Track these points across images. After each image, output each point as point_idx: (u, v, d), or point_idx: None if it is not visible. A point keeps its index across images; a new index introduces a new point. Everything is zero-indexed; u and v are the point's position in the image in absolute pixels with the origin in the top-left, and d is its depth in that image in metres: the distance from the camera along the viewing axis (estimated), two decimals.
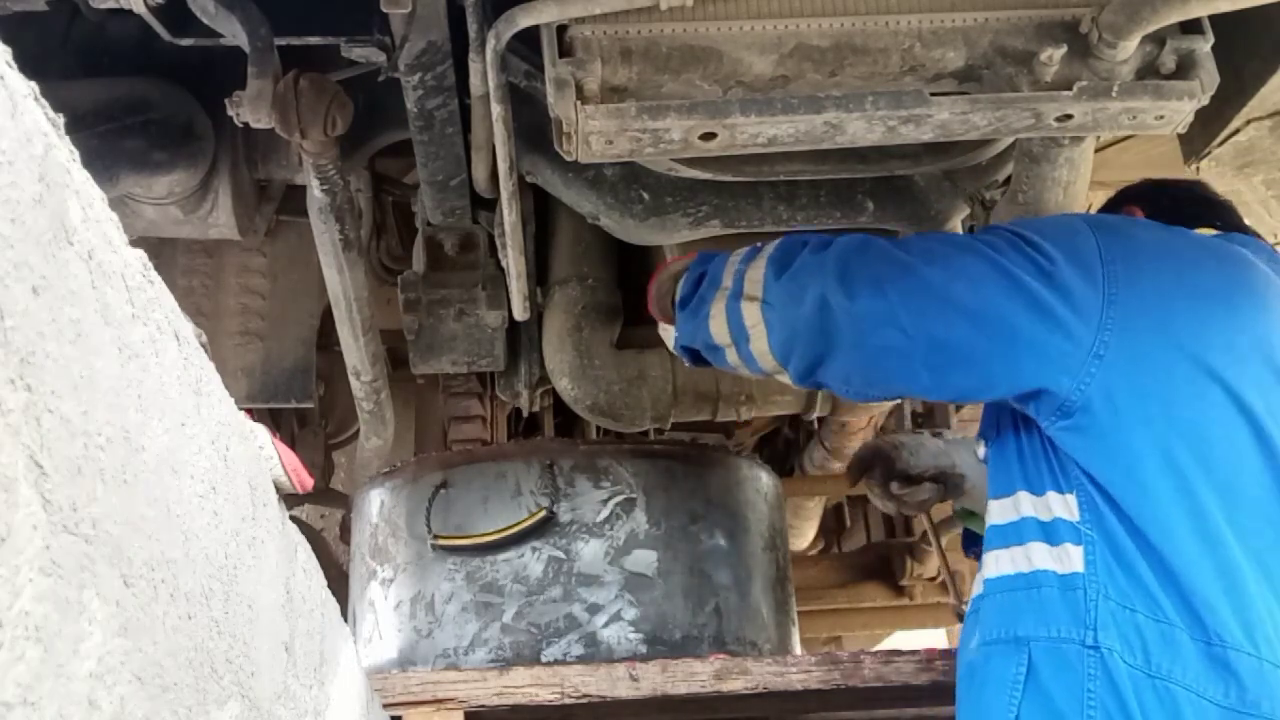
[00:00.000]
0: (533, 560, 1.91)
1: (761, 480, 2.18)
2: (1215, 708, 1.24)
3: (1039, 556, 1.38)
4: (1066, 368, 1.35)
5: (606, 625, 1.87)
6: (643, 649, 1.86)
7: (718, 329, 1.60)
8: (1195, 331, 1.37)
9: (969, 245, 1.46)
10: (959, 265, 1.43)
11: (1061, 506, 1.38)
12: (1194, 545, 1.29)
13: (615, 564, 1.92)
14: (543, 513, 1.92)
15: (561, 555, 1.92)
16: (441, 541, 1.96)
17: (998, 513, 1.47)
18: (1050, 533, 1.38)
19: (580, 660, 1.83)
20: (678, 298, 1.68)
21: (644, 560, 1.93)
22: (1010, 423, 1.50)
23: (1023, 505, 1.43)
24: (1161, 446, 1.33)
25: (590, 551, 1.92)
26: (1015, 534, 1.43)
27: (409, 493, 2.05)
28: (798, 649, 2.15)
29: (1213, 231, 1.57)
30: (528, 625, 1.87)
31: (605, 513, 1.95)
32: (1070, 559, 1.35)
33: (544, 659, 1.84)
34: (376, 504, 2.12)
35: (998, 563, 1.44)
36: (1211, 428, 1.34)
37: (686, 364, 1.77)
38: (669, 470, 2.02)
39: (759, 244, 1.61)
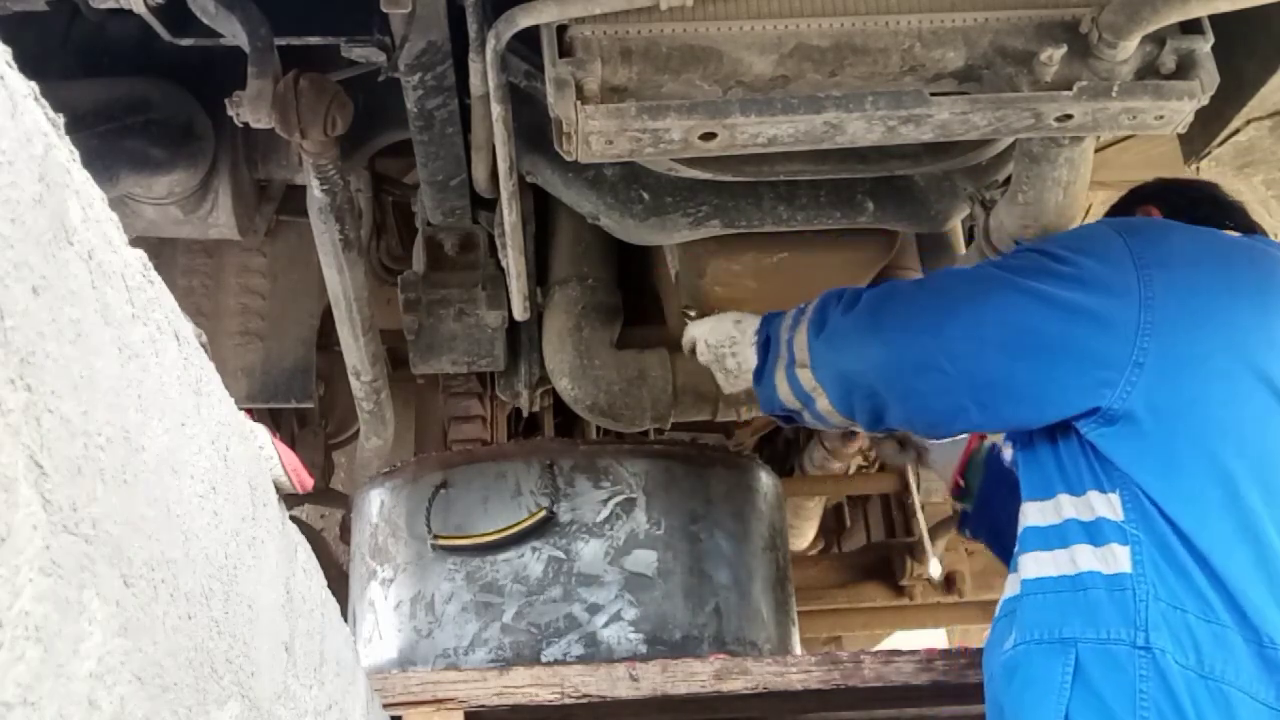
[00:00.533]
0: (533, 560, 1.91)
1: (762, 480, 2.18)
2: (1267, 710, 1.23)
3: (1084, 558, 1.37)
4: (1102, 382, 1.35)
5: (606, 625, 1.87)
6: (643, 649, 1.86)
7: (786, 396, 1.65)
8: (1235, 332, 1.37)
9: (992, 277, 1.48)
10: (985, 300, 1.44)
11: (1105, 506, 1.37)
12: (1242, 549, 1.29)
13: (615, 564, 1.91)
14: (543, 513, 1.92)
15: (561, 555, 1.91)
16: (441, 541, 1.96)
17: (1036, 515, 1.46)
18: (1094, 533, 1.37)
19: (580, 660, 1.83)
20: (752, 369, 1.71)
21: (644, 560, 1.93)
22: (1043, 427, 1.48)
23: (1064, 508, 1.42)
24: (1206, 451, 1.32)
25: (590, 551, 1.92)
26: (1058, 537, 1.41)
27: (409, 493, 2.05)
28: (798, 649, 2.15)
29: (1232, 233, 1.56)
30: (528, 625, 1.87)
31: (605, 513, 1.95)
32: (1117, 559, 1.34)
33: (544, 659, 1.84)
34: (376, 504, 2.11)
35: (1038, 564, 1.42)
36: (1255, 428, 1.34)
37: (782, 424, 1.81)
38: (669, 470, 2.02)
39: (802, 306, 1.65)
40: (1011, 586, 1.49)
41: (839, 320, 1.56)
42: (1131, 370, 1.34)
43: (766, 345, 1.68)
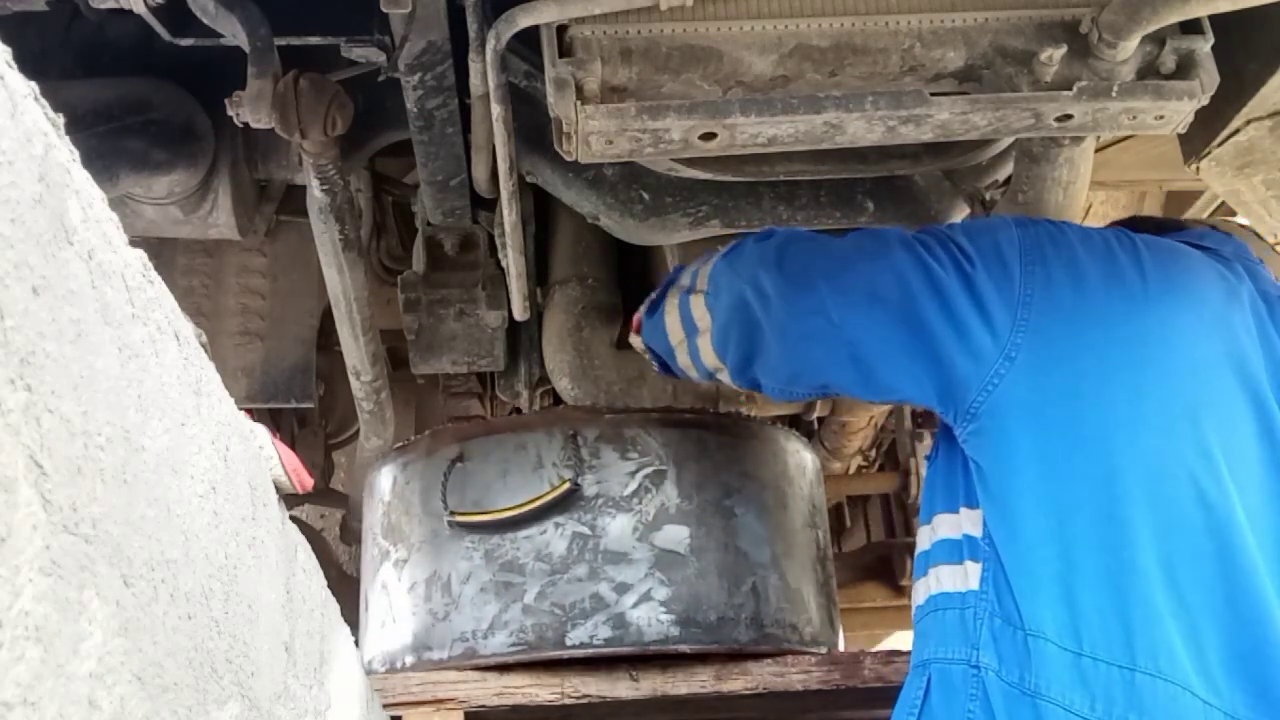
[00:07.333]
0: (555, 537, 1.79)
1: (800, 453, 2.07)
2: None
3: (946, 578, 1.38)
4: (972, 371, 1.33)
5: (636, 606, 1.75)
6: (675, 631, 1.74)
7: (672, 326, 1.64)
8: (1106, 329, 1.33)
9: (904, 241, 1.45)
10: (888, 260, 1.42)
11: (970, 523, 1.38)
12: (1082, 551, 1.24)
13: (644, 540, 1.79)
14: (566, 485, 1.79)
15: (586, 531, 1.79)
16: (459, 518, 1.84)
17: (922, 539, 1.47)
18: (957, 551, 1.38)
19: (608, 643, 1.73)
20: (647, 303, 1.73)
21: (675, 536, 1.80)
22: (939, 442, 1.50)
23: (939, 528, 1.43)
24: (1076, 450, 1.28)
25: (617, 527, 1.79)
26: (934, 558, 1.43)
27: (423, 467, 1.94)
28: (841, 632, 2.02)
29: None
30: (551, 606, 1.75)
31: (633, 485, 1.83)
32: (969, 577, 1.34)
33: (569, 641, 1.73)
34: (389, 480, 2.01)
35: (919, 592, 1.44)
36: (1118, 426, 1.28)
37: (655, 369, 1.80)
38: (701, 441, 1.89)
39: (720, 247, 1.65)
40: (914, 607, 1.50)
41: (749, 245, 1.57)
42: (1001, 364, 1.32)
43: (668, 285, 1.70)
